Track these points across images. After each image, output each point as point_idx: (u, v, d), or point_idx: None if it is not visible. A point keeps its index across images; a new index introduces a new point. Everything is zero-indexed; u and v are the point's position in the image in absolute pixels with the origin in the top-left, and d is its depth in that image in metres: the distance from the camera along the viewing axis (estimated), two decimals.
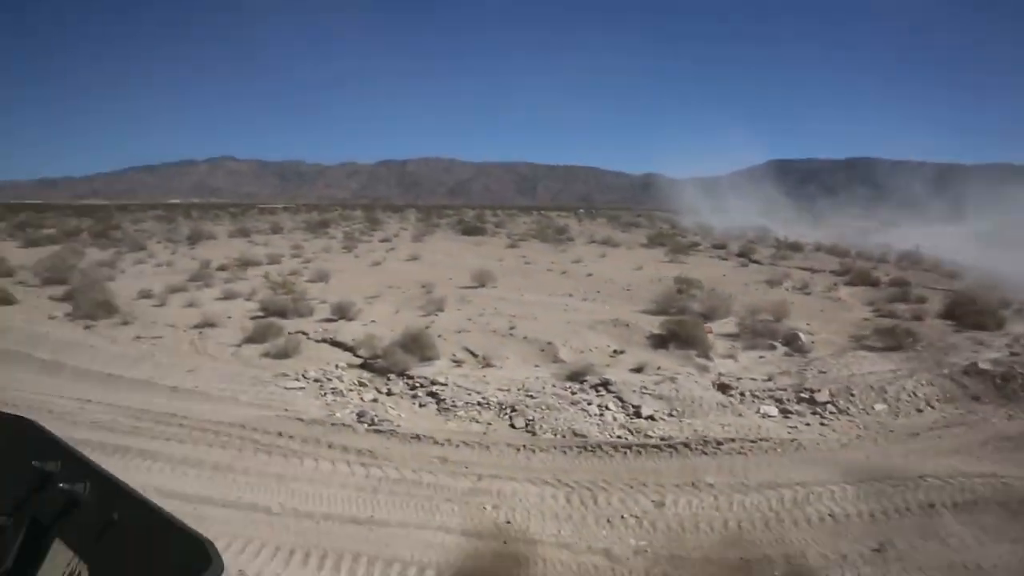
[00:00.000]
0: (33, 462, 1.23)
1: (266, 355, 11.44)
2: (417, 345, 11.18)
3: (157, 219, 54.40)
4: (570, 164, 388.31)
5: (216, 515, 6.05)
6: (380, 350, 11.26)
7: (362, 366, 11.20)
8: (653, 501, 6.92)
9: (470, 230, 44.97)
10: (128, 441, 7.50)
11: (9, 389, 9.13)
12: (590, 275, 21.32)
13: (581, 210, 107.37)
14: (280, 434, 7.73)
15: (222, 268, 22.80)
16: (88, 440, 7.47)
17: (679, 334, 12.47)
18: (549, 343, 12.17)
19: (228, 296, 17.16)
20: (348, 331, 13.20)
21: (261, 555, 5.51)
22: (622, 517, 6.60)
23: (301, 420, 8.13)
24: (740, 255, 32.00)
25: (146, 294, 17.03)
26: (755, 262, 28.13)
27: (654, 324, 13.90)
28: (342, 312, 14.51)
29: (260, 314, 14.88)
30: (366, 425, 8.32)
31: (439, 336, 12.38)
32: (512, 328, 13.25)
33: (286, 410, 8.62)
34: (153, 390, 9.35)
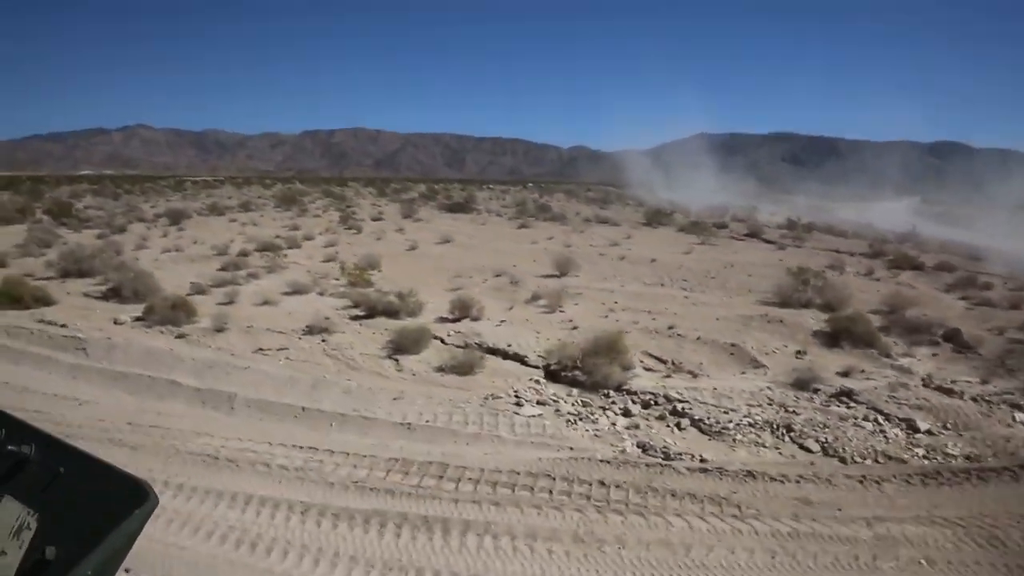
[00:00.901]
0: None
1: (440, 370, 9.85)
2: (613, 353, 9.95)
3: (94, 193, 48.91)
4: (497, 136, 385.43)
5: None
6: (569, 359, 9.97)
7: (549, 378, 9.90)
8: None
9: (454, 207, 43.18)
10: (428, 509, 5.93)
11: (194, 436, 7.26)
12: (654, 260, 20.41)
13: (530, 184, 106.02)
14: (602, 483, 6.40)
15: (244, 254, 20.37)
16: (382, 512, 5.88)
17: (852, 331, 11.84)
18: (733, 345, 11.22)
19: (296, 290, 15.10)
20: (486, 333, 11.76)
21: None
22: None
23: (607, 462, 6.78)
24: (749, 235, 32.02)
25: (198, 289, 14.73)
26: (783, 244, 28.14)
27: (800, 317, 13.26)
28: (462, 310, 12.95)
29: (361, 313, 13.11)
30: (662, 459, 7.11)
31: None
32: (671, 327, 12.18)
33: (571, 448, 7.22)
34: (378, 428, 7.64)
